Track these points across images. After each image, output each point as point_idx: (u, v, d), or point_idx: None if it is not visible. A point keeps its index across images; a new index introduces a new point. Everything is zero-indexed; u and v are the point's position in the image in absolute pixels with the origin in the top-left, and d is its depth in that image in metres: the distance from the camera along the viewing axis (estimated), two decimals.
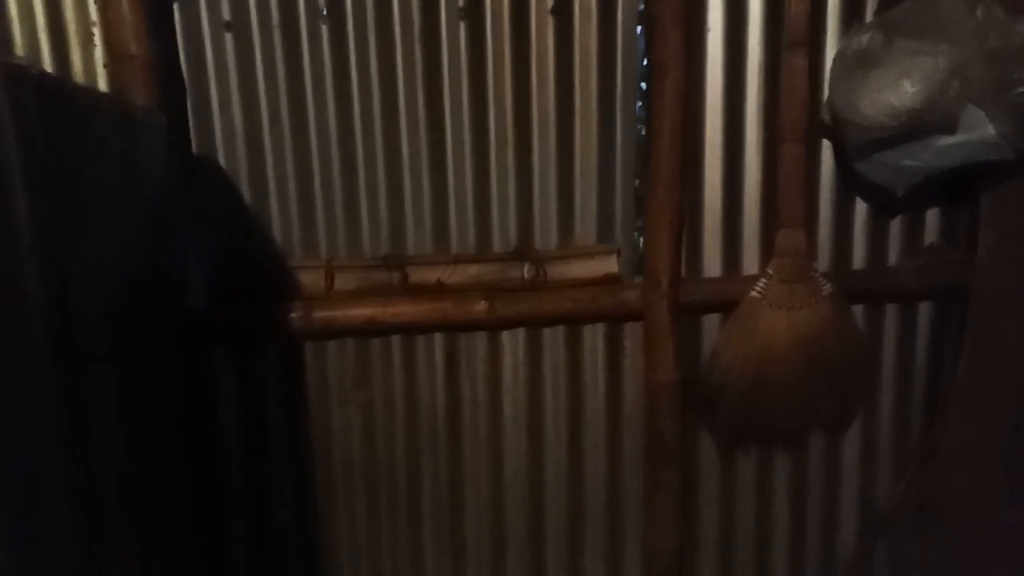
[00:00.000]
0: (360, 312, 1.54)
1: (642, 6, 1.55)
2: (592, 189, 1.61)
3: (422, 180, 1.57)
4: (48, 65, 1.44)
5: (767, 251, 1.62)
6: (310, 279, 1.56)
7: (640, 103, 1.60)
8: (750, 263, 1.65)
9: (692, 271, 1.64)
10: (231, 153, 1.53)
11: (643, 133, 1.61)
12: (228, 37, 1.49)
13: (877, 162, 1.49)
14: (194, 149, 1.51)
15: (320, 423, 1.62)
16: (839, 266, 1.66)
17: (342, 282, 1.56)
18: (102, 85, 1.45)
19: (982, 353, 1.63)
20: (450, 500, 1.69)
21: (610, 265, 1.61)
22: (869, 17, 1.57)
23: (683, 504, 1.66)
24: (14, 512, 0.77)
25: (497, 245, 1.61)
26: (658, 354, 1.58)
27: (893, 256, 1.68)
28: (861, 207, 1.65)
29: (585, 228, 1.62)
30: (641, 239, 1.65)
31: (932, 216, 1.67)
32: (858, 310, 1.67)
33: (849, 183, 1.62)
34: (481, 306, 1.56)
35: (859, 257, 1.67)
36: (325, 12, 1.50)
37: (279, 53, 1.50)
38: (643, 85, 1.60)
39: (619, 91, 1.58)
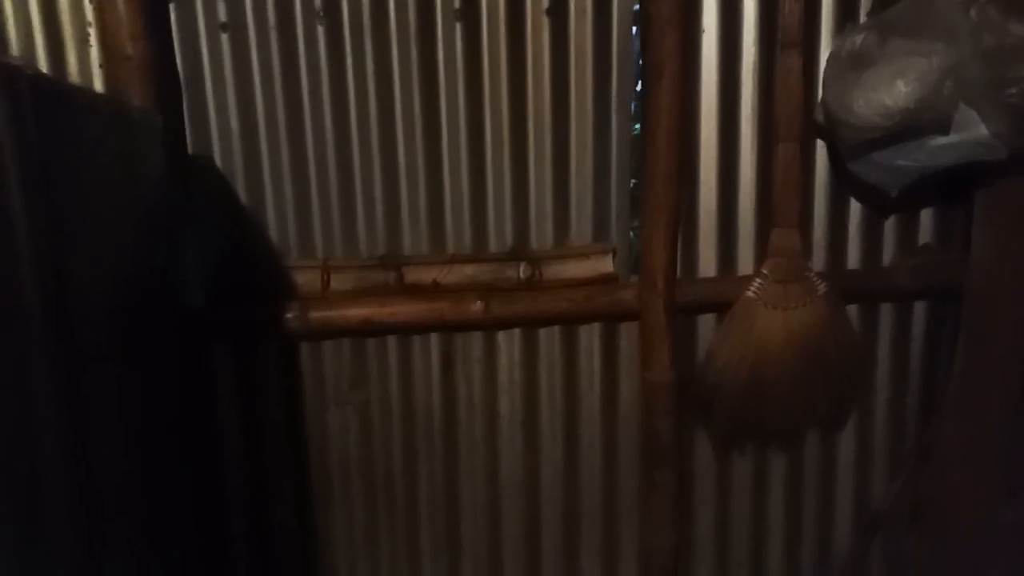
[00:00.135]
0: (356, 312, 1.54)
1: (638, 6, 1.55)
2: (588, 189, 1.61)
3: (418, 180, 1.57)
4: (44, 65, 1.44)
5: (762, 251, 1.62)
6: (306, 279, 1.56)
7: (636, 103, 1.61)
8: (745, 263, 1.65)
9: (687, 271, 1.64)
10: (227, 153, 1.53)
11: (639, 133, 1.62)
12: (224, 38, 1.49)
13: (871, 162, 1.49)
14: (190, 149, 1.51)
15: (317, 423, 1.62)
16: (834, 266, 1.66)
17: (338, 282, 1.56)
18: (98, 86, 1.45)
19: (977, 352, 1.64)
20: (446, 499, 1.69)
21: (606, 265, 1.62)
22: (863, 17, 1.58)
23: (679, 503, 1.66)
24: (14, 511, 0.77)
25: (493, 245, 1.61)
26: (654, 354, 1.58)
27: (888, 256, 1.68)
28: (856, 207, 1.66)
29: (581, 228, 1.63)
30: (637, 239, 1.65)
31: (926, 216, 1.68)
32: (853, 310, 1.68)
33: (843, 183, 1.63)
34: (477, 306, 1.56)
35: (854, 257, 1.67)
36: (321, 13, 1.50)
37: (275, 53, 1.50)
38: (639, 85, 1.60)
39: (615, 91, 1.58)
